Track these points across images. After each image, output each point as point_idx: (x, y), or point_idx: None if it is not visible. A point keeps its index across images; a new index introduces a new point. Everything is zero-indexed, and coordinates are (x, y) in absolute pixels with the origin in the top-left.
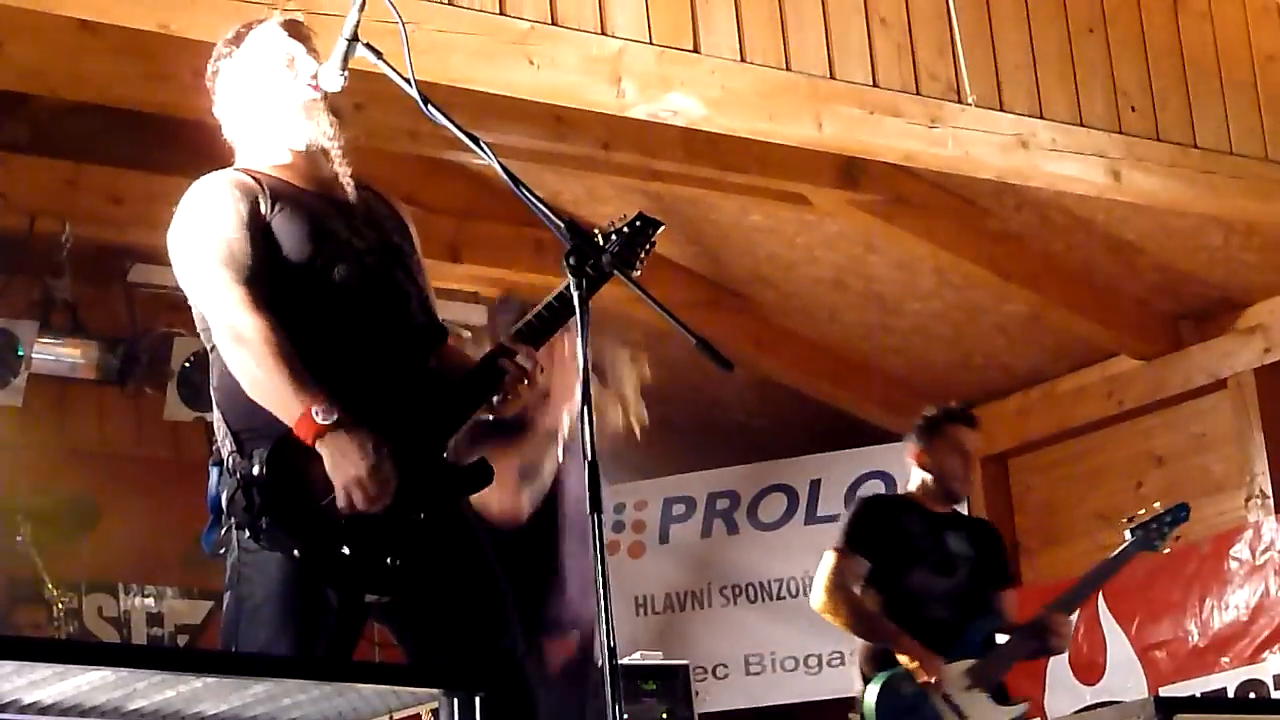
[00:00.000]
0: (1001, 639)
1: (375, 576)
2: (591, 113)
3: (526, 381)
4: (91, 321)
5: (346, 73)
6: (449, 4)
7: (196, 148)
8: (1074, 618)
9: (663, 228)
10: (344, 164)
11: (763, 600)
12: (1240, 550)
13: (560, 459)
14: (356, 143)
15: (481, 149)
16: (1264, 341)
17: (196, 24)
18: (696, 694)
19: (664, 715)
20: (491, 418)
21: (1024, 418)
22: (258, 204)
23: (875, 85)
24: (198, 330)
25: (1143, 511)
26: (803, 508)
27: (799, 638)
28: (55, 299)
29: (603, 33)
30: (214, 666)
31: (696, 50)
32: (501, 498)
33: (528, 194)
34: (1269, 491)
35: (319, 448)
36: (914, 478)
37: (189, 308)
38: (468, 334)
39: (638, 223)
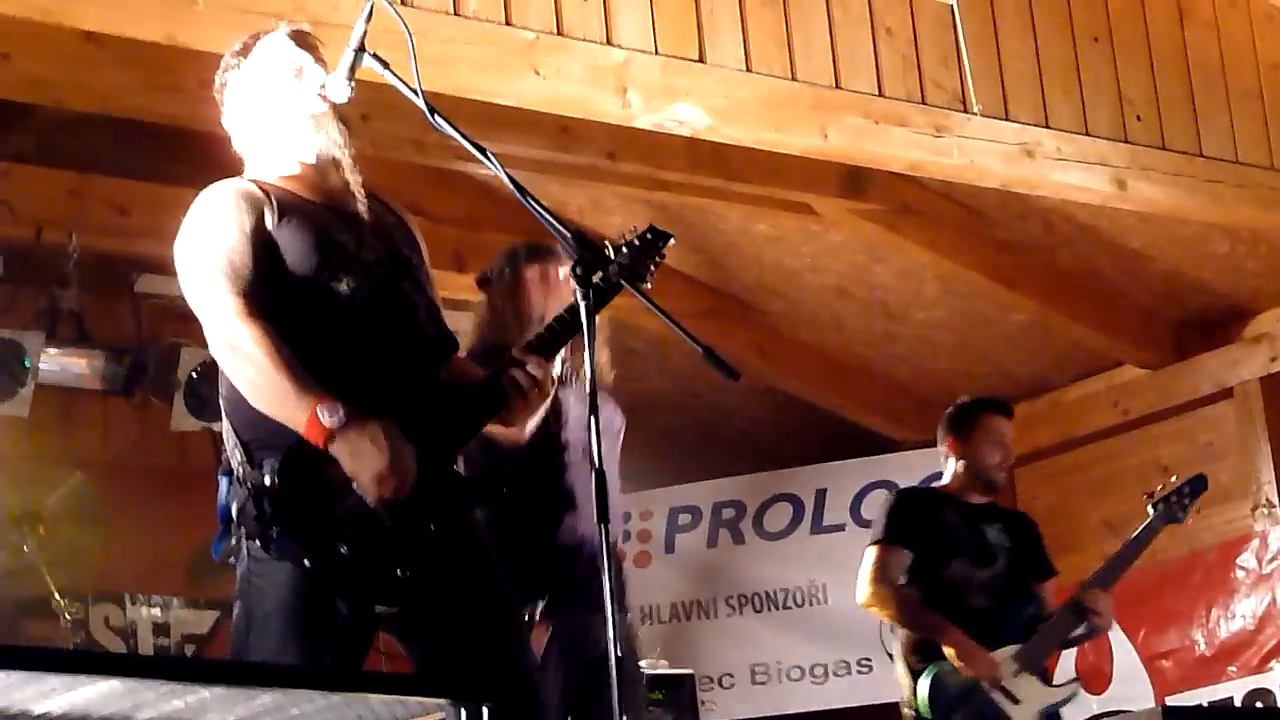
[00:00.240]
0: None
1: (385, 587)
2: (597, 123)
3: (539, 391)
4: (98, 332)
5: (354, 83)
6: (455, 15)
7: (202, 158)
8: (1110, 595)
9: (672, 240)
10: (354, 174)
11: (769, 610)
12: (1247, 559)
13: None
14: (363, 153)
15: (488, 159)
16: (1270, 350)
17: (202, 35)
18: (702, 704)
19: None
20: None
21: (1029, 427)
22: (263, 215)
23: (880, 95)
24: (206, 340)
25: (1161, 486)
26: (808, 517)
27: (805, 647)
28: (62, 309)
29: (608, 43)
30: (221, 676)
31: (702, 60)
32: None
33: (534, 204)
34: (1275, 500)
35: (333, 450)
36: (949, 469)
37: (196, 318)
38: None
39: (648, 235)
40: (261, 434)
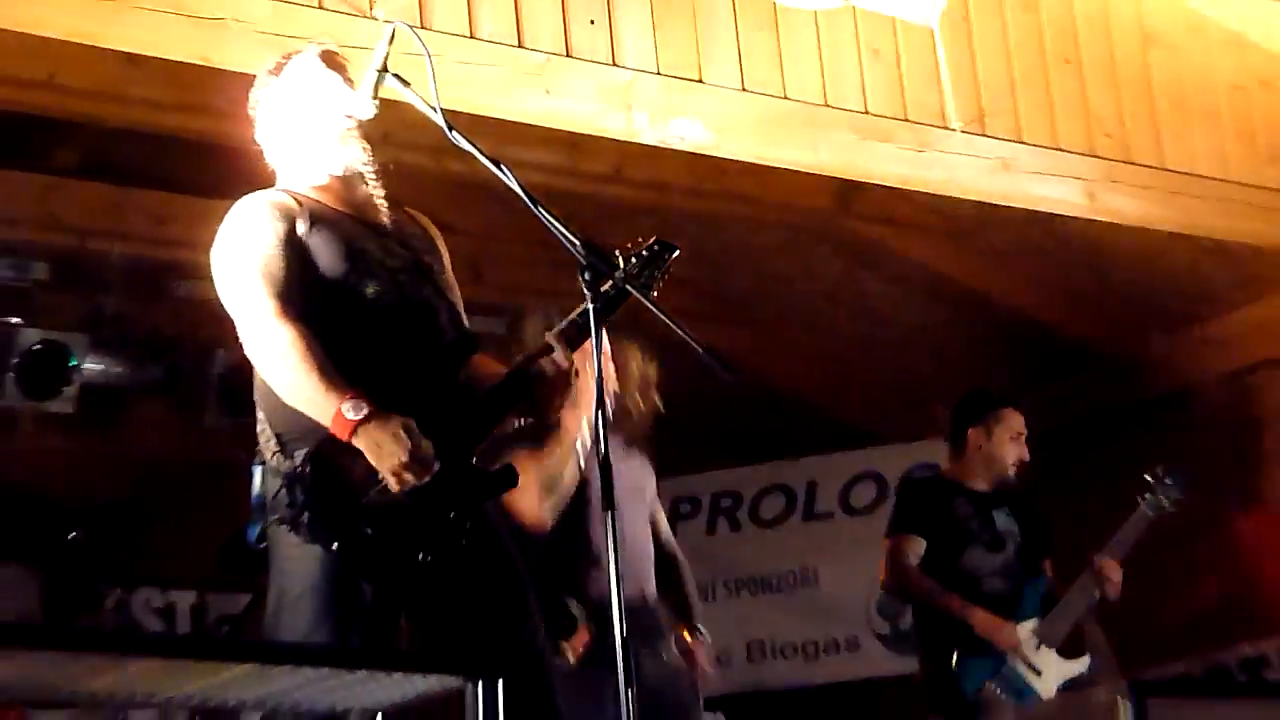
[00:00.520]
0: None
1: (408, 571)
2: (604, 139)
3: (564, 379)
4: (138, 334)
5: (377, 101)
6: (471, 37)
7: (235, 172)
8: (1121, 566)
9: (678, 252)
10: (378, 187)
11: (763, 592)
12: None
13: (583, 466)
14: (385, 167)
15: (503, 173)
16: (1229, 351)
17: (234, 57)
18: (702, 679)
19: None
20: (520, 423)
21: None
22: (296, 223)
23: (867, 113)
24: (239, 342)
25: (1147, 477)
26: (800, 506)
27: (797, 627)
28: (104, 313)
29: (614, 64)
30: (253, 655)
31: (701, 80)
32: (527, 508)
33: (546, 215)
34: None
35: (356, 443)
36: (962, 458)
37: (229, 321)
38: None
39: (655, 247)
40: (293, 427)
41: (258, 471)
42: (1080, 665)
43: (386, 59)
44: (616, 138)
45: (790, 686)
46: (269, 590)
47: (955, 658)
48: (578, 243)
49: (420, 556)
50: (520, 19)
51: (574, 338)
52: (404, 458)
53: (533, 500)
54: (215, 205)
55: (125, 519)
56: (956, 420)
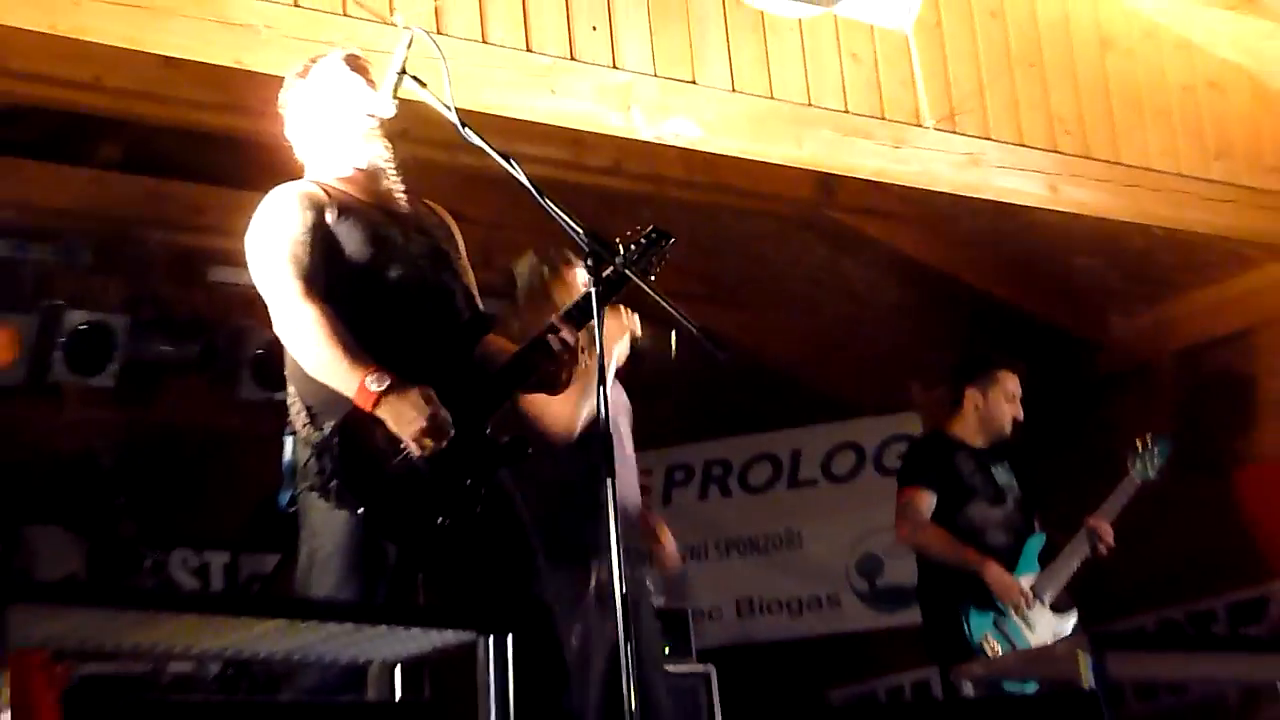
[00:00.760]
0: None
1: (428, 533)
2: (605, 135)
3: (570, 355)
4: (176, 315)
5: (397, 101)
6: (483, 43)
7: (265, 166)
8: (1111, 527)
9: (674, 240)
10: (398, 180)
11: (751, 553)
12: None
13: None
14: (405, 162)
15: (511, 166)
16: (1179, 331)
17: (266, 60)
18: (695, 632)
19: (667, 650)
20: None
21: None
22: (324, 212)
23: (848, 112)
24: (271, 321)
25: (1137, 444)
26: (786, 474)
27: (783, 585)
28: (145, 296)
29: (614, 67)
30: (286, 611)
31: (694, 82)
32: (561, 411)
33: (552, 206)
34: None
35: (379, 413)
36: (962, 416)
37: (261, 303)
38: None
39: (653, 234)
40: (322, 400)
41: (289, 441)
42: (1070, 620)
43: (405, 62)
44: (616, 135)
45: (776, 640)
46: (299, 551)
47: (964, 609)
48: (581, 231)
49: (439, 520)
50: (528, 25)
51: (579, 318)
52: (423, 424)
53: (567, 406)
54: (248, 196)
55: (164, 485)
56: (955, 381)
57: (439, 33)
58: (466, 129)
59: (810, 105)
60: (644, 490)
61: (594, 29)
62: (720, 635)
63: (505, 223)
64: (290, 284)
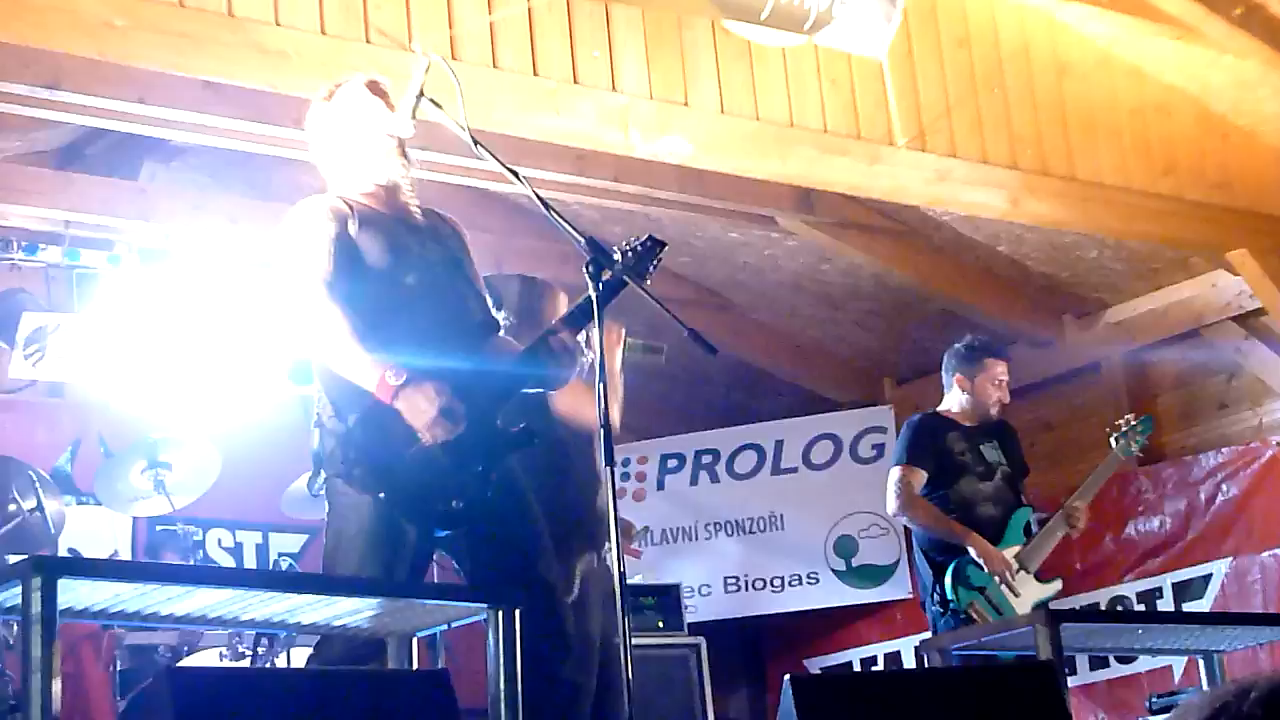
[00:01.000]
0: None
1: (443, 515)
2: (605, 153)
3: (570, 356)
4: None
5: (415, 122)
6: (493, 68)
7: (294, 180)
8: (1088, 507)
9: (668, 247)
10: (413, 194)
11: (738, 534)
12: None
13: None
14: (422, 177)
15: (519, 181)
16: (1129, 333)
17: (295, 84)
18: (686, 608)
19: (660, 624)
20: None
21: (942, 392)
22: (346, 223)
23: (826, 132)
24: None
25: (1120, 423)
26: (769, 462)
27: (766, 563)
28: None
29: (613, 90)
30: (312, 586)
31: (687, 104)
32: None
33: (556, 217)
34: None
35: (397, 404)
36: (953, 398)
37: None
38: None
39: (648, 242)
40: (345, 395)
41: (316, 432)
42: (1052, 588)
43: (423, 86)
44: (615, 152)
45: (760, 614)
46: (326, 531)
47: (952, 574)
48: (582, 240)
49: (453, 503)
50: (534, 52)
51: (577, 322)
52: (435, 414)
53: (618, 404)
54: (278, 207)
55: (205, 469)
56: (947, 366)
57: (453, 59)
58: (479, 147)
59: (792, 125)
60: (639, 477)
61: (595, 55)
62: (709, 610)
63: (513, 232)
64: (316, 289)
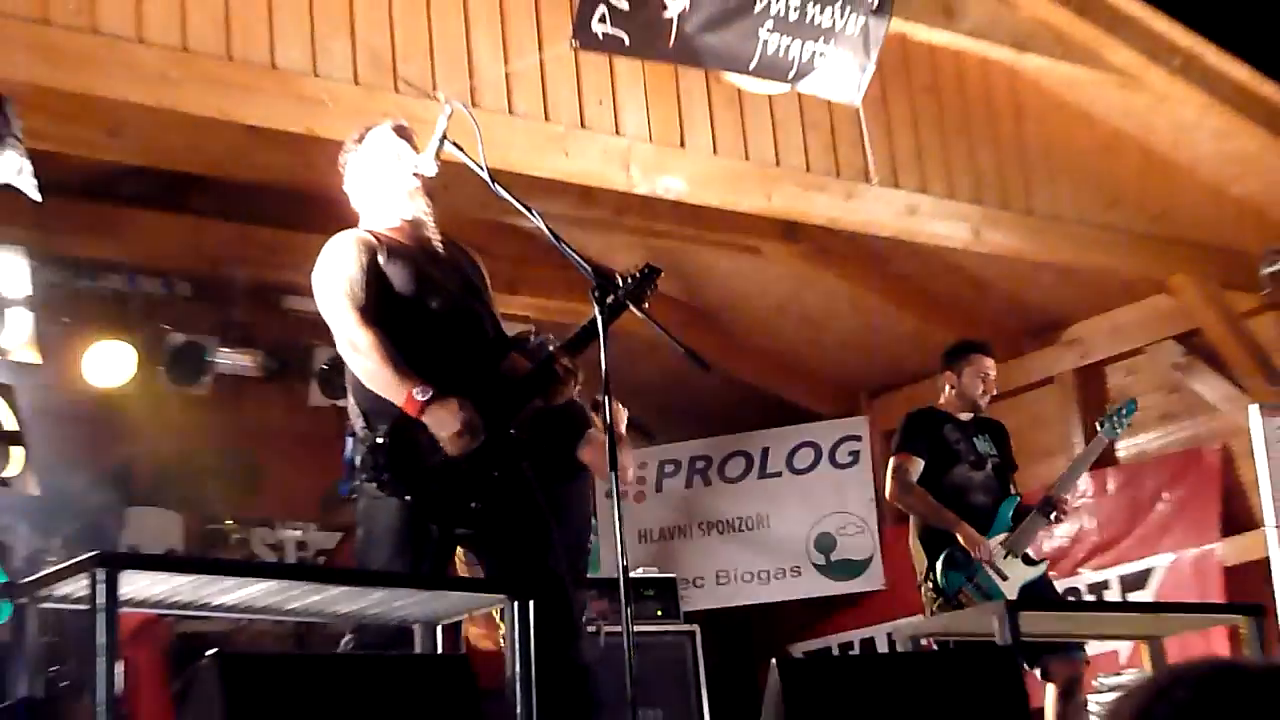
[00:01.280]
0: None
1: (463, 516)
2: (609, 190)
3: (570, 377)
4: (257, 336)
5: (438, 162)
6: (509, 114)
7: (329, 215)
8: (1070, 496)
9: (662, 274)
10: (435, 228)
11: (729, 532)
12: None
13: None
14: (445, 212)
15: (532, 214)
16: (1081, 350)
17: (331, 128)
18: (682, 598)
19: (659, 612)
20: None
21: (912, 404)
22: (376, 255)
23: (808, 170)
24: (334, 342)
25: (1108, 409)
26: (756, 467)
27: (753, 559)
28: (232, 321)
29: (617, 134)
30: (347, 579)
31: (683, 146)
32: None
33: (565, 247)
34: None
35: (424, 419)
36: (946, 394)
37: (326, 326)
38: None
39: (646, 270)
40: (376, 407)
41: (349, 441)
42: (1038, 571)
43: (446, 130)
44: (618, 189)
45: (748, 604)
46: (358, 530)
47: (943, 561)
48: (588, 267)
49: (472, 505)
50: (546, 100)
51: (578, 346)
52: (459, 427)
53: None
54: (316, 239)
55: (247, 475)
56: (942, 364)
57: (473, 106)
58: (496, 184)
59: (777, 165)
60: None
61: (600, 102)
62: (703, 601)
63: (526, 260)
64: (349, 313)
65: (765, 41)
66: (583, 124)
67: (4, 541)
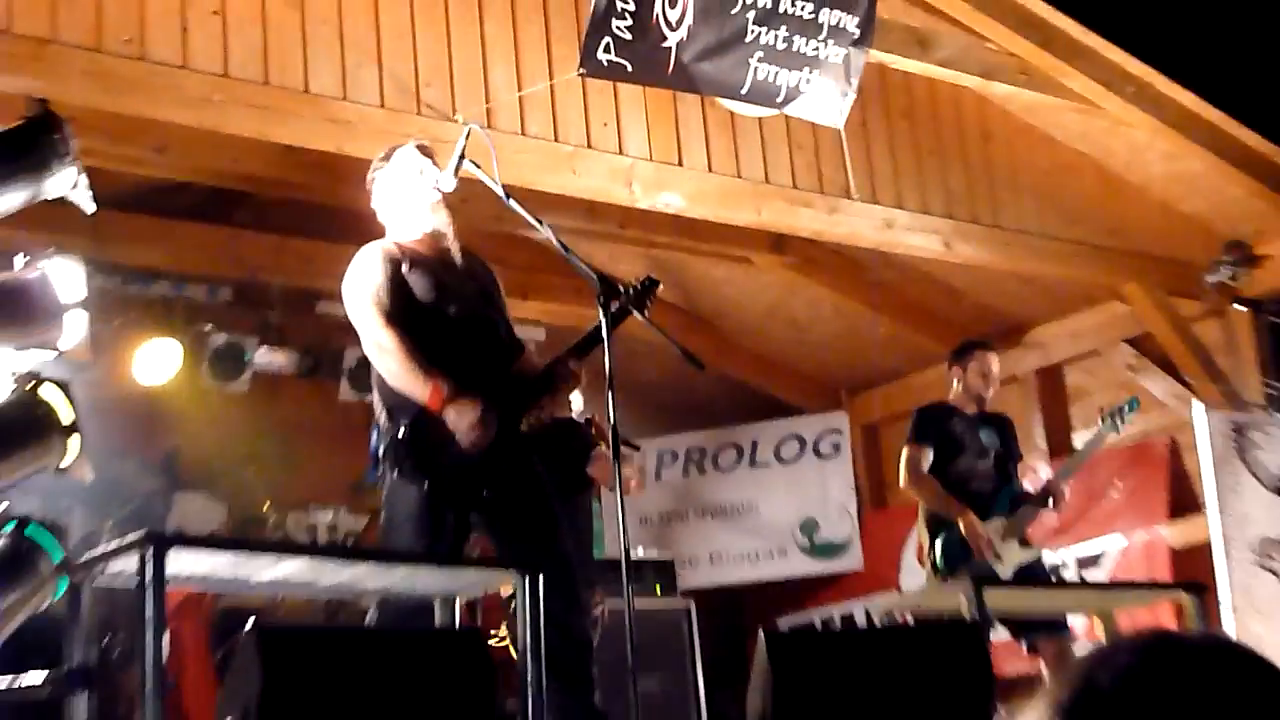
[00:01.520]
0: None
1: (476, 501)
2: (613, 204)
3: (575, 379)
4: (293, 337)
5: (457, 179)
6: (522, 135)
7: (358, 228)
8: (1069, 484)
9: (661, 286)
10: (454, 239)
11: (721, 517)
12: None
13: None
14: (463, 224)
15: (543, 227)
16: (1042, 352)
17: (360, 148)
18: (678, 576)
19: (657, 589)
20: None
21: (889, 400)
22: (399, 265)
23: (795, 187)
24: (361, 343)
25: (1110, 403)
26: (747, 458)
27: (743, 541)
28: (270, 323)
29: (620, 153)
30: (372, 558)
31: (681, 164)
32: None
33: (572, 257)
34: (1044, 448)
35: (444, 414)
36: (953, 389)
37: (355, 329)
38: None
39: (648, 281)
40: (398, 403)
41: (374, 433)
42: (1033, 554)
43: (464, 149)
44: (621, 204)
45: (739, 582)
46: (382, 514)
47: (942, 543)
48: (593, 276)
49: (484, 492)
50: (556, 122)
51: (585, 349)
52: (474, 423)
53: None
54: (345, 250)
55: (283, 463)
56: (949, 361)
57: (489, 127)
58: (509, 199)
59: (767, 182)
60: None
61: (605, 125)
62: (698, 579)
63: (536, 269)
64: (375, 318)
65: (755, 70)
66: (589, 144)
67: (61, 523)
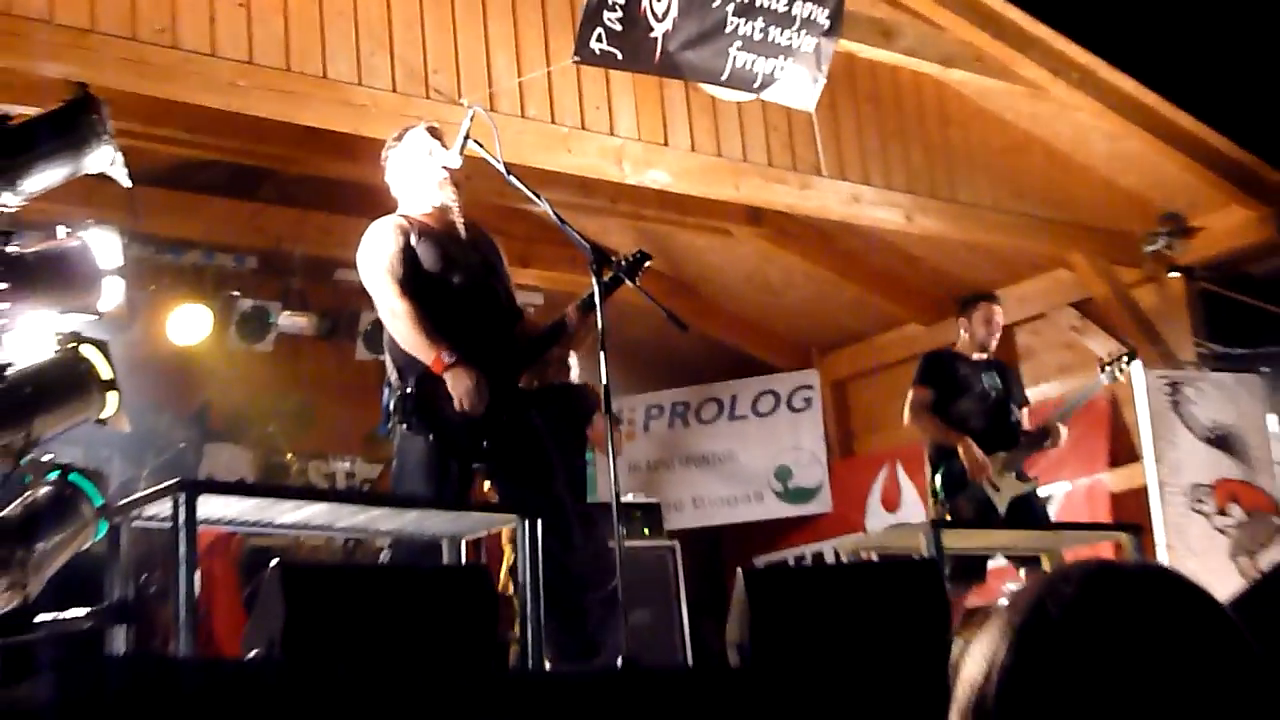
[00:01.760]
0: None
1: (477, 452)
2: (605, 181)
3: (571, 335)
4: (313, 302)
5: (463, 157)
6: (521, 117)
7: (372, 202)
8: (1066, 426)
9: (652, 259)
10: (460, 213)
11: (704, 465)
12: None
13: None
14: (468, 199)
15: (541, 201)
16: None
17: (375, 129)
18: (665, 519)
19: (645, 531)
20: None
21: (855, 359)
22: (409, 236)
23: (770, 165)
24: (375, 308)
25: (1106, 355)
26: (726, 411)
27: (724, 487)
28: (292, 289)
29: (611, 134)
30: (386, 502)
31: (666, 144)
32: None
33: (568, 228)
34: None
35: (445, 378)
36: (960, 337)
37: (369, 294)
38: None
39: (639, 254)
40: (407, 363)
41: (386, 389)
42: (1029, 486)
43: (469, 130)
44: (612, 180)
45: (719, 524)
46: (394, 462)
47: (943, 472)
48: (588, 246)
49: (484, 444)
50: (553, 105)
51: (588, 307)
52: (470, 390)
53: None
54: (360, 222)
55: (304, 417)
56: (957, 311)
57: (492, 110)
58: (510, 176)
59: (745, 160)
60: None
61: (598, 108)
62: (682, 521)
63: (535, 240)
64: (388, 286)
65: (734, 58)
66: (583, 126)
67: (101, 471)
